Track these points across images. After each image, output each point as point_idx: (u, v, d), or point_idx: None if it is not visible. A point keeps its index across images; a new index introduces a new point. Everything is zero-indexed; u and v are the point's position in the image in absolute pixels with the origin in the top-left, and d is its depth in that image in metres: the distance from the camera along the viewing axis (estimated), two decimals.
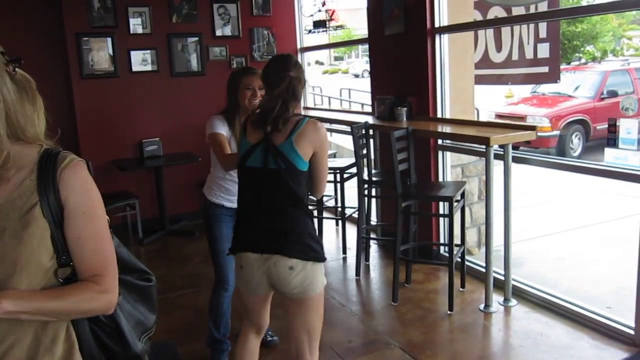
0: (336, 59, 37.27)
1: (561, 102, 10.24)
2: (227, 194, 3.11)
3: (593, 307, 3.65)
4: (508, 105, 11.12)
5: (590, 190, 6.92)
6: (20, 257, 1.24)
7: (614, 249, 5.06)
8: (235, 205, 2.61)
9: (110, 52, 5.98)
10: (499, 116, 10.25)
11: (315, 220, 5.55)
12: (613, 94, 9.76)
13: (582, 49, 18.23)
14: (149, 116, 6.17)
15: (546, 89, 10.68)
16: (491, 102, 11.22)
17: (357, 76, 25.66)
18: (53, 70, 6.00)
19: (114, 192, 5.89)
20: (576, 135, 9.71)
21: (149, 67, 6.16)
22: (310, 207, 5.81)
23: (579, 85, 10.50)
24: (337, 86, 16.39)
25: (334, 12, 5.99)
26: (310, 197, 2.53)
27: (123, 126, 6.08)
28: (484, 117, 10.05)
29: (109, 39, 5.96)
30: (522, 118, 9.87)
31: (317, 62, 36.69)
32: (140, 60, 6.12)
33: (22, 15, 5.83)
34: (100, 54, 5.96)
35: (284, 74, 2.30)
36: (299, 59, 6.75)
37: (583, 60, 17.57)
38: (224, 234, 3.07)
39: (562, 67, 14.69)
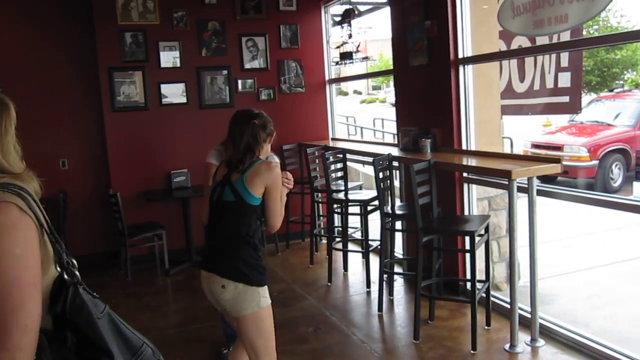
0: (374, 88, 37.35)
1: (600, 130, 9.93)
2: None
3: (627, 350, 3.44)
4: (545, 135, 10.86)
5: (630, 223, 6.63)
6: None
7: None
8: None
9: (141, 85, 6.11)
10: (535, 146, 10.01)
11: (340, 254, 5.56)
12: None
13: (622, 76, 17.77)
14: (177, 148, 6.26)
15: (584, 117, 10.40)
16: (529, 131, 11.00)
17: (394, 105, 25.54)
18: (86, 102, 6.18)
19: (141, 222, 5.96)
20: (616, 165, 9.38)
21: (178, 100, 6.26)
22: (337, 239, 5.83)
23: (619, 113, 10.19)
24: (373, 116, 16.37)
25: (360, 44, 5.99)
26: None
27: (152, 158, 6.18)
28: (519, 147, 9.84)
29: (140, 73, 6.10)
30: (559, 148, 9.63)
31: (355, 92, 36.88)
32: (170, 93, 6.23)
33: (58, 49, 6.07)
34: (131, 87, 6.09)
35: (250, 122, 2.67)
36: (327, 90, 6.80)
37: (626, 88, 17.14)
38: None
39: (602, 94, 14.37)
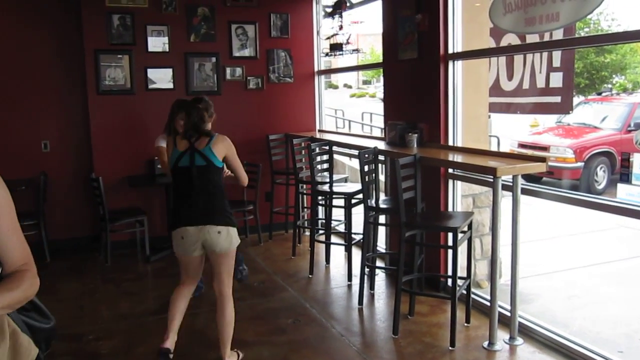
0: (364, 82, 37.29)
1: (587, 133, 9.99)
2: None
3: (604, 351, 3.44)
4: (532, 135, 10.89)
5: (614, 225, 6.67)
6: None
7: (633, 288, 4.84)
8: None
9: (128, 69, 6.02)
10: (522, 145, 10.04)
11: (323, 246, 5.53)
12: None
13: (610, 79, 17.88)
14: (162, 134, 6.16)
15: (572, 119, 10.44)
16: (516, 130, 11.02)
17: (382, 100, 25.47)
18: (69, 84, 6.08)
19: (123, 208, 5.89)
20: (601, 168, 9.43)
21: (165, 85, 6.18)
22: (321, 232, 5.80)
23: (605, 116, 10.24)
24: (362, 110, 16.32)
25: (350, 35, 5.94)
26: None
27: (136, 143, 6.09)
28: (505, 146, 9.86)
29: (127, 56, 6.01)
30: (546, 148, 9.66)
31: (345, 86, 36.80)
32: (157, 78, 6.15)
33: (41, 29, 5.94)
34: (118, 70, 6.00)
35: (195, 106, 3.50)
36: (316, 81, 6.76)
37: (615, 92, 17.25)
38: None
39: (590, 97, 14.44)
